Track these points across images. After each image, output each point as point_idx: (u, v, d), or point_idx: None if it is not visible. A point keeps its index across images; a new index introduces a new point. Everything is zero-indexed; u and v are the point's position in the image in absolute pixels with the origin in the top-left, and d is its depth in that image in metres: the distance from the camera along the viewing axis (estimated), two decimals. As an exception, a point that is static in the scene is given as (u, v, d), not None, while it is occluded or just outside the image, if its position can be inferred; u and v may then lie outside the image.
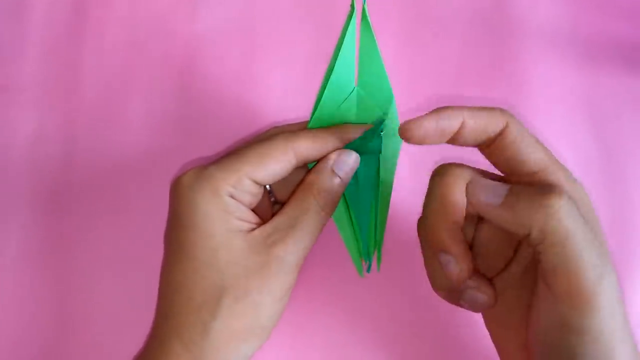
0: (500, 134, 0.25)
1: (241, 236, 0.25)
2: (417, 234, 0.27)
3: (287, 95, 0.39)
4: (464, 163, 0.25)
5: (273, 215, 0.28)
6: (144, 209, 0.36)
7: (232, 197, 0.25)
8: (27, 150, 0.37)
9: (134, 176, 0.37)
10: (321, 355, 0.34)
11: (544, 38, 0.41)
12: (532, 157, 0.24)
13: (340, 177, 0.27)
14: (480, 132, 0.25)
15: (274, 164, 0.26)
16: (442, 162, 0.26)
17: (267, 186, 0.28)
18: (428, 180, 0.26)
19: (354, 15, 0.26)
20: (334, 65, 0.27)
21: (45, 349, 0.34)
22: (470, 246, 0.27)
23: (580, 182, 0.25)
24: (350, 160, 0.27)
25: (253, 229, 0.25)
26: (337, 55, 0.26)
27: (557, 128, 0.39)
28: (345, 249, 0.31)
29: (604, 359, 0.21)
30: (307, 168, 0.28)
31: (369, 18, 0.26)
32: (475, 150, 0.26)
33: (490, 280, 0.26)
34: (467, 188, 0.24)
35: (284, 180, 0.27)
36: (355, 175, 0.28)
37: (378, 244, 0.30)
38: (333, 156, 0.27)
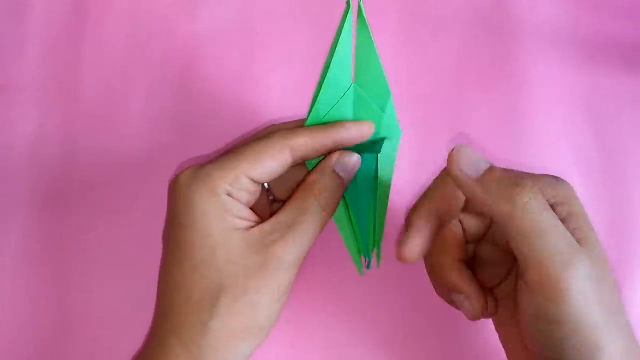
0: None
1: (240, 234, 0.25)
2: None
3: (286, 95, 0.39)
4: None
5: (272, 214, 0.28)
6: (143, 209, 0.36)
7: (229, 195, 0.25)
8: (27, 150, 0.37)
9: (133, 176, 0.37)
10: (321, 355, 0.34)
11: (543, 38, 0.41)
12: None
13: (341, 178, 0.27)
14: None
15: (271, 162, 0.25)
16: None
17: (266, 184, 0.28)
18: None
19: (349, 12, 0.26)
20: (330, 63, 0.26)
21: (45, 348, 0.34)
22: (472, 261, 0.28)
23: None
24: (352, 160, 0.27)
25: (252, 227, 0.25)
26: (334, 52, 0.26)
27: (557, 128, 0.39)
28: (345, 248, 0.31)
29: (589, 350, 0.21)
30: (304, 166, 0.28)
31: (364, 14, 0.26)
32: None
33: (492, 290, 0.27)
34: (450, 155, 0.24)
35: (281, 179, 0.27)
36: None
37: (377, 241, 0.30)
38: (335, 156, 0.27)
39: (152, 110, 0.38)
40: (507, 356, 0.27)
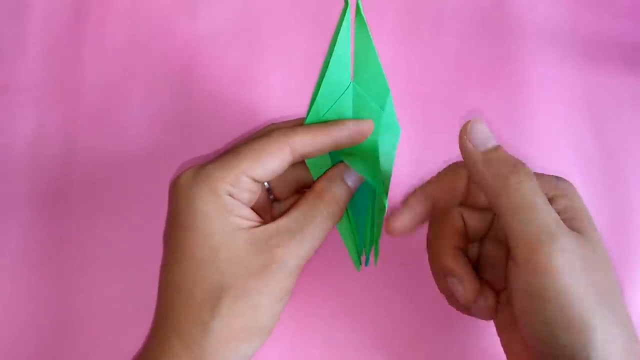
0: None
1: (243, 234, 0.25)
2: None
3: (287, 95, 0.39)
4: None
5: (273, 212, 0.28)
6: (143, 208, 0.36)
7: (231, 195, 0.25)
8: (27, 150, 0.37)
9: (133, 175, 0.37)
10: (321, 353, 0.34)
11: (543, 37, 0.41)
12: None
13: (349, 187, 0.28)
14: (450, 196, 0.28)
15: (271, 160, 0.26)
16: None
17: (266, 183, 0.28)
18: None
19: (347, 10, 0.26)
20: (329, 61, 0.26)
21: (45, 348, 0.34)
22: (477, 263, 0.29)
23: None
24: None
25: (254, 227, 0.25)
26: (332, 51, 0.26)
27: (557, 128, 0.39)
28: (344, 246, 0.31)
29: (582, 331, 0.22)
30: (303, 164, 0.28)
31: (363, 13, 0.26)
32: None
33: (498, 293, 0.27)
34: (464, 125, 0.25)
35: (281, 177, 0.27)
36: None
37: (375, 239, 0.30)
38: (343, 166, 0.28)
39: (152, 110, 0.38)
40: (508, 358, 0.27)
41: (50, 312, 0.34)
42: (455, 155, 0.27)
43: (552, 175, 0.26)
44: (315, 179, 0.28)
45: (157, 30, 0.40)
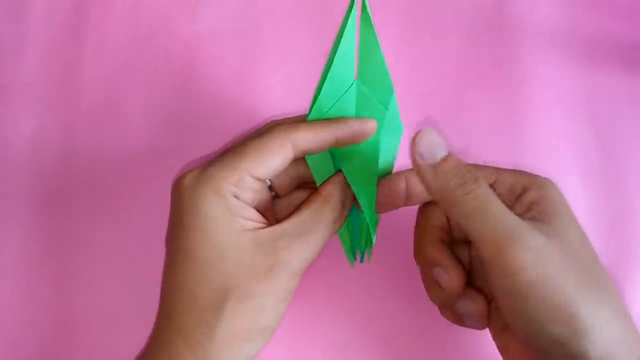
0: None
1: (249, 235, 0.25)
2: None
3: (287, 95, 0.39)
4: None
5: (274, 209, 0.28)
6: (144, 208, 0.36)
7: (235, 196, 0.25)
8: (27, 150, 0.37)
9: (134, 176, 0.37)
10: (322, 354, 0.34)
11: (543, 38, 0.41)
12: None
13: (353, 193, 0.28)
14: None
15: (274, 158, 0.26)
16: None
17: (268, 181, 0.28)
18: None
19: (354, 7, 0.25)
20: (333, 59, 0.26)
21: (45, 349, 0.34)
22: (470, 272, 0.29)
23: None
24: None
25: (260, 228, 0.25)
26: (337, 48, 0.26)
27: (557, 128, 0.39)
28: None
29: (563, 316, 0.22)
30: (304, 160, 0.28)
31: (369, 10, 0.26)
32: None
33: (490, 301, 0.27)
34: (412, 138, 0.25)
35: (282, 173, 0.28)
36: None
37: (372, 235, 0.30)
38: None
39: (152, 110, 0.38)
40: None
41: (50, 312, 0.34)
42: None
43: (528, 172, 0.26)
44: (318, 183, 0.28)
45: (157, 30, 0.40)
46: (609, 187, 0.38)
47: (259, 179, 0.26)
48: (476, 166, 0.27)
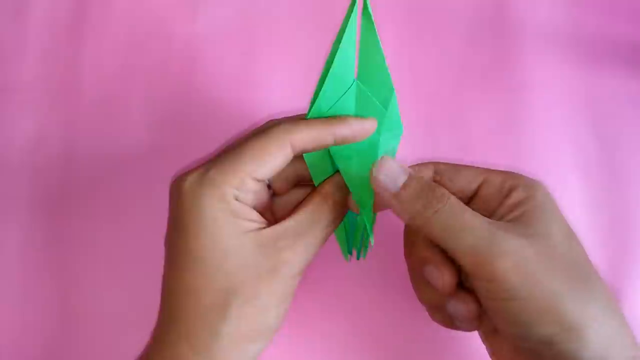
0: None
1: (251, 237, 0.25)
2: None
3: (286, 95, 0.39)
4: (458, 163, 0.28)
5: (273, 208, 0.28)
6: (143, 209, 0.36)
7: (237, 199, 0.25)
8: (27, 150, 0.37)
9: (133, 176, 0.37)
10: (322, 354, 0.34)
11: (544, 38, 0.41)
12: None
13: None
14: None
15: (273, 158, 0.25)
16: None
17: (267, 180, 0.28)
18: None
19: (355, 6, 0.25)
20: (333, 58, 0.26)
21: (46, 349, 0.34)
22: (459, 267, 0.29)
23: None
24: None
25: (261, 228, 0.25)
26: (337, 47, 0.26)
27: (557, 128, 0.39)
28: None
29: (550, 317, 0.22)
30: (302, 158, 0.28)
31: (370, 10, 0.26)
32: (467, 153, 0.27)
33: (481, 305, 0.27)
34: (371, 169, 0.26)
35: (280, 172, 0.27)
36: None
37: (369, 235, 0.30)
38: None
39: (152, 110, 0.38)
40: None
41: (50, 312, 0.34)
42: (455, 156, 0.27)
43: (517, 173, 0.27)
44: (316, 182, 0.28)
45: (157, 30, 0.40)
46: (609, 188, 0.38)
47: (259, 180, 0.26)
48: (465, 167, 0.27)
